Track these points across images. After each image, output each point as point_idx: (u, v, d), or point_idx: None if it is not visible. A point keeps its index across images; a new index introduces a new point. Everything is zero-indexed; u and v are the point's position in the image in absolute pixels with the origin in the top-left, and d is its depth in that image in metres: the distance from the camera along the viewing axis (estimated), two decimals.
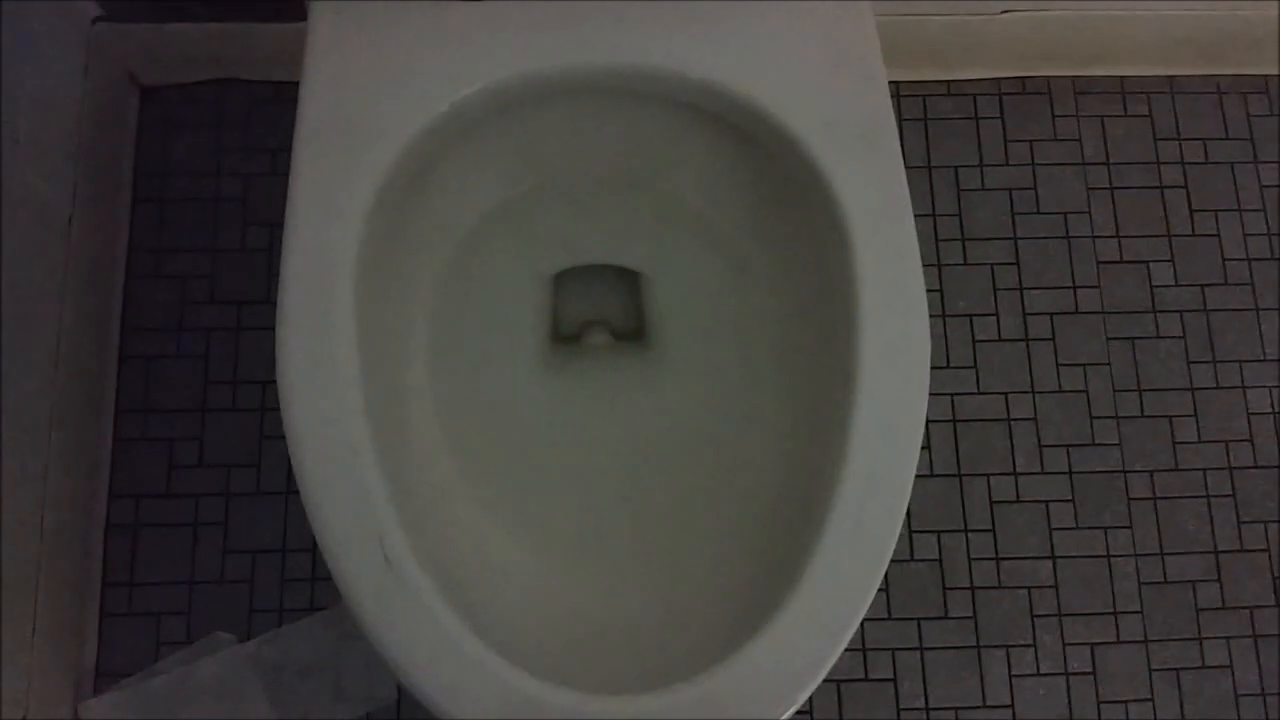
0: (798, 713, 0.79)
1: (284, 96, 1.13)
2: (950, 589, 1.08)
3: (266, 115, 1.14)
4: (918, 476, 0.66)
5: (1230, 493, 1.11)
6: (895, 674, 1.06)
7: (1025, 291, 1.14)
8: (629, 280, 0.90)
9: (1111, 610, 1.08)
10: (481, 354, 0.82)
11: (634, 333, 0.91)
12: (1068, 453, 1.11)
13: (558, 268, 0.87)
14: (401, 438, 0.70)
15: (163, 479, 1.05)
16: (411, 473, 0.69)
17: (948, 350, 1.13)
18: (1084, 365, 1.13)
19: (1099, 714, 1.06)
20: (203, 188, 1.11)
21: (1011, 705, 1.06)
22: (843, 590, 0.62)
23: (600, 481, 0.80)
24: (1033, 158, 1.18)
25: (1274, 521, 1.10)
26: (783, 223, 0.78)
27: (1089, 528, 1.10)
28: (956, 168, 1.17)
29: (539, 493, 0.78)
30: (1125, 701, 1.06)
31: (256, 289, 1.09)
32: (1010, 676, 1.06)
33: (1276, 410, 1.13)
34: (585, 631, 0.69)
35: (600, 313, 0.92)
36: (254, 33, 1.06)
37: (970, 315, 1.13)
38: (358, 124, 0.66)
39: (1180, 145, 1.19)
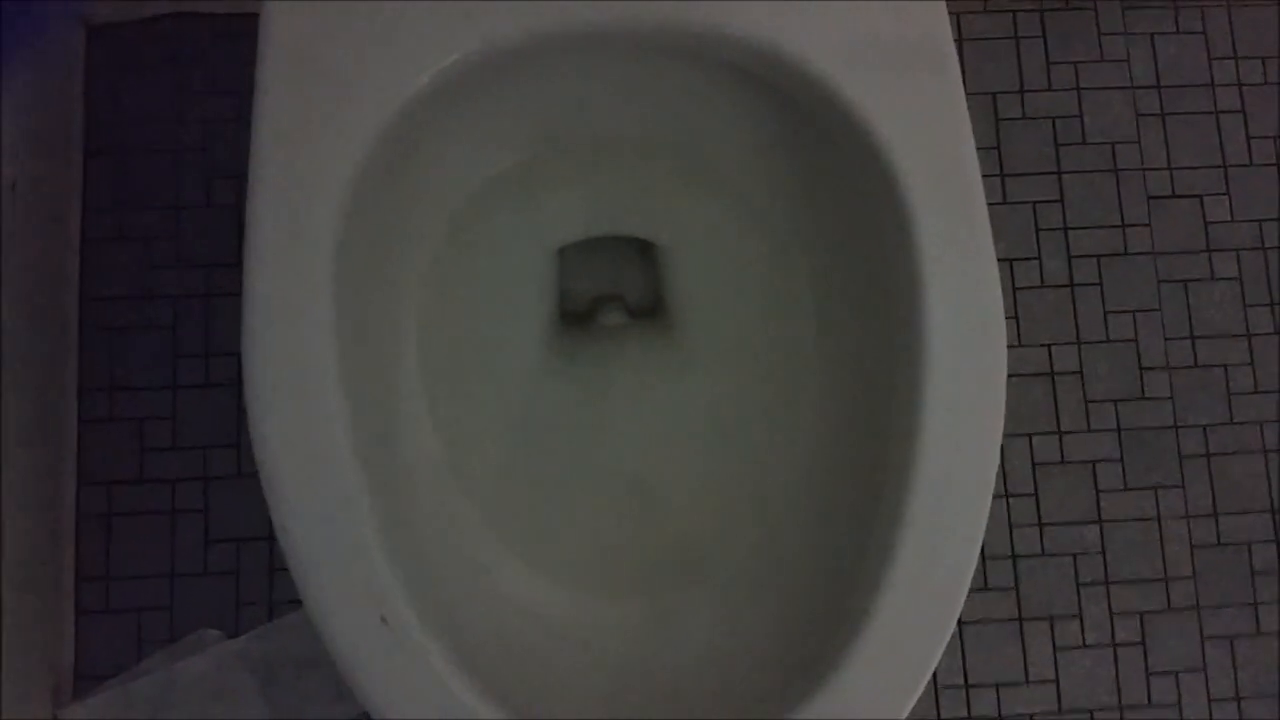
0: None
1: (248, 31, 1.00)
2: (990, 558, 1.00)
3: (229, 52, 1.02)
4: None
5: None
6: None
7: (1070, 232, 1.05)
8: (644, 255, 0.80)
9: (1162, 576, 1.01)
10: (482, 345, 0.72)
11: (651, 309, 0.81)
12: (1115, 408, 1.03)
13: (565, 240, 0.76)
14: (395, 463, 0.61)
15: (135, 463, 0.96)
16: (409, 503, 0.60)
17: None
18: (1133, 312, 1.04)
19: (1148, 686, 0.99)
20: (162, 137, 1.00)
21: (1056, 680, 0.99)
22: (914, 633, 0.54)
23: (625, 494, 0.71)
24: (1078, 81, 1.07)
25: None
26: (826, 189, 0.68)
27: (1138, 488, 1.02)
28: (995, 94, 1.06)
29: (555, 510, 0.69)
30: (1176, 673, 1.00)
31: (226, 250, 0.99)
32: (1055, 649, 1.00)
33: None
34: (617, 683, 0.60)
35: (614, 288, 0.82)
36: None
37: (1010, 259, 1.04)
38: (325, 107, 0.56)
39: (1237, 65, 1.08)
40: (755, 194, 0.71)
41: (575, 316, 0.82)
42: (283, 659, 0.93)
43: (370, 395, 0.59)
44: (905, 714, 0.54)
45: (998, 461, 0.58)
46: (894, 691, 0.53)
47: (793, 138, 0.68)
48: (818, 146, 0.66)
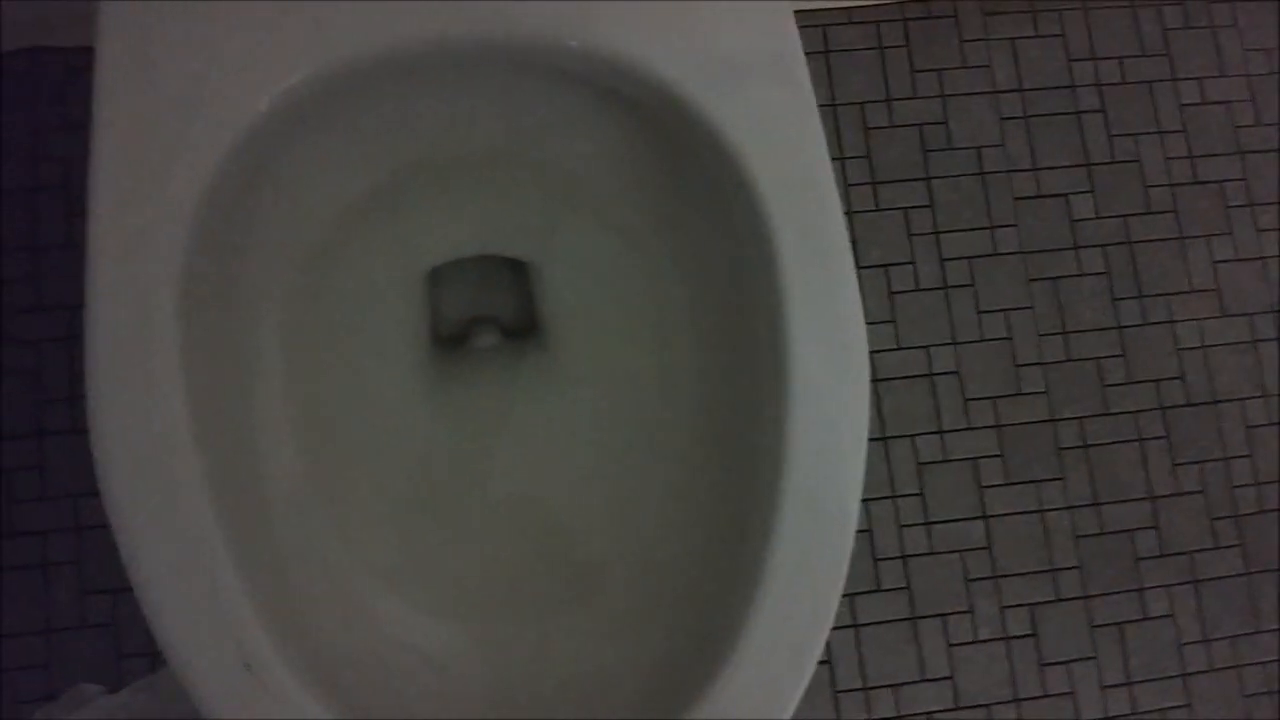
0: None
1: None
2: (881, 560, 1.01)
3: (86, 85, 0.98)
4: None
5: (1164, 434, 1.06)
6: (830, 655, 0.99)
7: (941, 235, 1.06)
8: (516, 273, 0.80)
9: (1049, 567, 1.03)
10: (350, 376, 0.71)
11: (526, 329, 0.80)
12: (994, 405, 1.05)
13: (434, 262, 0.75)
14: (256, 500, 0.59)
15: (2, 516, 0.92)
16: (273, 542, 0.58)
17: (864, 305, 1.04)
18: (1006, 310, 1.06)
19: (1042, 677, 1.01)
20: (18, 176, 0.97)
21: (951, 676, 1.00)
22: (790, 637, 0.54)
23: (504, 517, 0.70)
24: (942, 88, 1.09)
25: (1210, 460, 1.06)
26: (687, 197, 0.68)
27: (1020, 482, 1.04)
28: (862, 104, 1.08)
29: (431, 539, 0.68)
30: (1068, 662, 1.02)
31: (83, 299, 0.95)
32: (949, 646, 1.01)
33: (1206, 344, 1.07)
34: (498, 711, 0.59)
35: (487, 309, 0.81)
36: None
37: (885, 265, 1.05)
38: (163, 136, 0.54)
39: (1095, 66, 1.11)
40: (623, 209, 0.71)
41: (449, 340, 0.80)
42: (165, 712, 0.90)
43: (226, 430, 0.57)
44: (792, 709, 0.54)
45: (862, 475, 0.59)
46: (779, 686, 0.53)
47: (654, 153, 0.68)
48: (677, 160, 0.66)
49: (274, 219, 0.65)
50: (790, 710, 0.54)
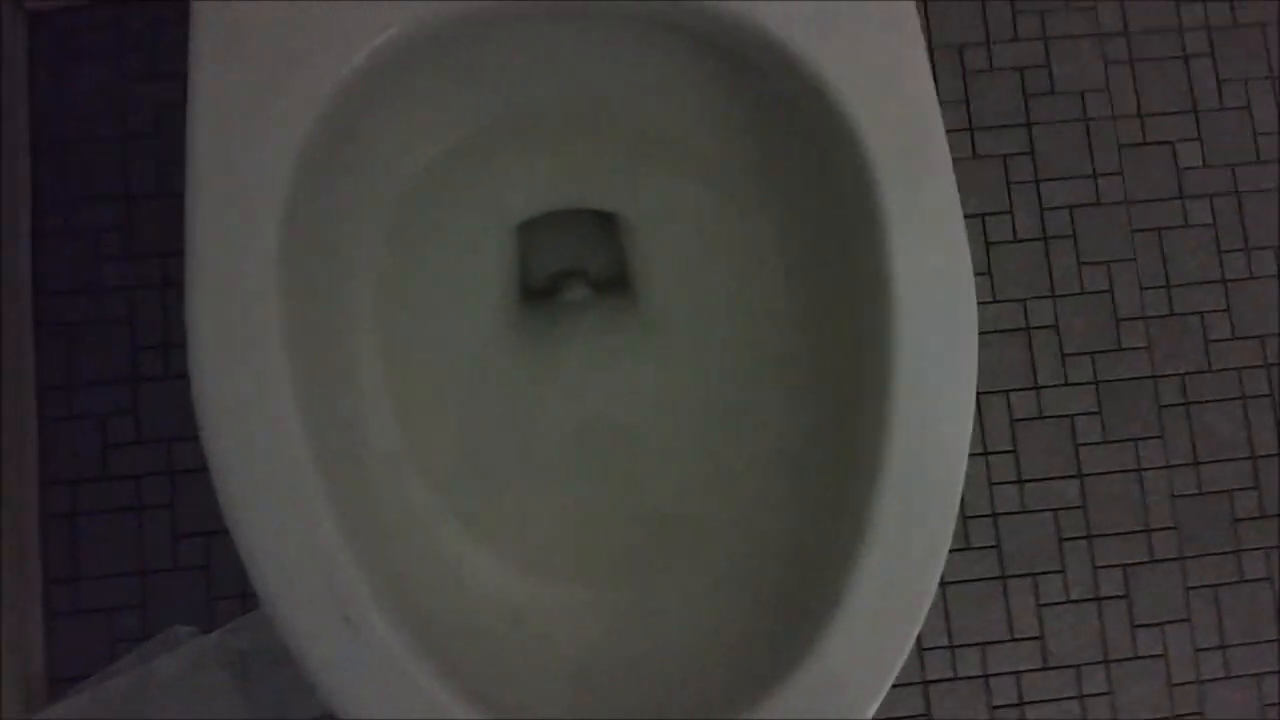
0: None
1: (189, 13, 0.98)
2: (971, 518, 0.99)
3: (174, 36, 0.99)
4: None
5: (1268, 391, 1.02)
6: None
7: (1041, 184, 1.03)
8: (605, 226, 0.78)
9: (1144, 528, 1.00)
10: (441, 328, 0.70)
11: (616, 282, 0.79)
12: (1092, 360, 1.02)
13: (522, 216, 0.74)
14: (354, 455, 0.59)
15: (98, 460, 0.94)
16: (370, 496, 0.58)
17: None
18: (1107, 263, 1.03)
19: (1133, 639, 0.99)
20: (109, 125, 0.97)
21: (1041, 636, 0.99)
22: (887, 623, 0.53)
23: (596, 474, 0.69)
24: (1044, 30, 1.05)
25: None
26: (787, 153, 0.66)
27: (1118, 441, 1.01)
28: (961, 46, 1.04)
29: (522, 496, 0.68)
30: (1161, 624, 0.99)
31: (181, 238, 0.96)
32: (1038, 606, 0.99)
33: None
34: (586, 672, 0.59)
35: (576, 263, 0.80)
36: None
37: (982, 215, 1.02)
38: (261, 88, 0.54)
39: (1205, 7, 1.06)
40: (717, 162, 0.69)
41: (538, 293, 0.80)
42: (258, 653, 0.91)
43: (324, 385, 0.57)
44: (873, 710, 0.53)
45: (968, 444, 0.57)
46: (864, 682, 0.52)
47: (752, 103, 0.66)
48: (777, 111, 0.64)
49: (366, 173, 0.64)
50: (889, 681, 0.53)
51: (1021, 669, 0.98)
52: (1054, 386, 1.01)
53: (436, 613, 0.57)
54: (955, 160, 1.01)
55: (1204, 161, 1.04)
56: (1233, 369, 1.02)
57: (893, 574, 0.54)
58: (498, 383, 0.72)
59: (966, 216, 1.00)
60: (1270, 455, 1.02)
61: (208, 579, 0.93)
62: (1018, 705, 0.97)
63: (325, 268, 0.59)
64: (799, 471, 0.63)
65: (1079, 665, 0.98)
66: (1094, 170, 1.03)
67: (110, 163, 0.97)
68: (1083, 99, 1.04)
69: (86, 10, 0.98)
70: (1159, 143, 1.04)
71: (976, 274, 0.99)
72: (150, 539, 0.93)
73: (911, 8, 0.60)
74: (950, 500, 0.55)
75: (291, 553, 0.52)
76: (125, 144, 0.97)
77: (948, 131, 1.02)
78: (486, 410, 0.70)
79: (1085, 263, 1.02)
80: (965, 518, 0.99)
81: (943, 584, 0.98)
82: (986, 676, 0.98)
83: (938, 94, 1.02)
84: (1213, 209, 1.04)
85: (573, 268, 0.80)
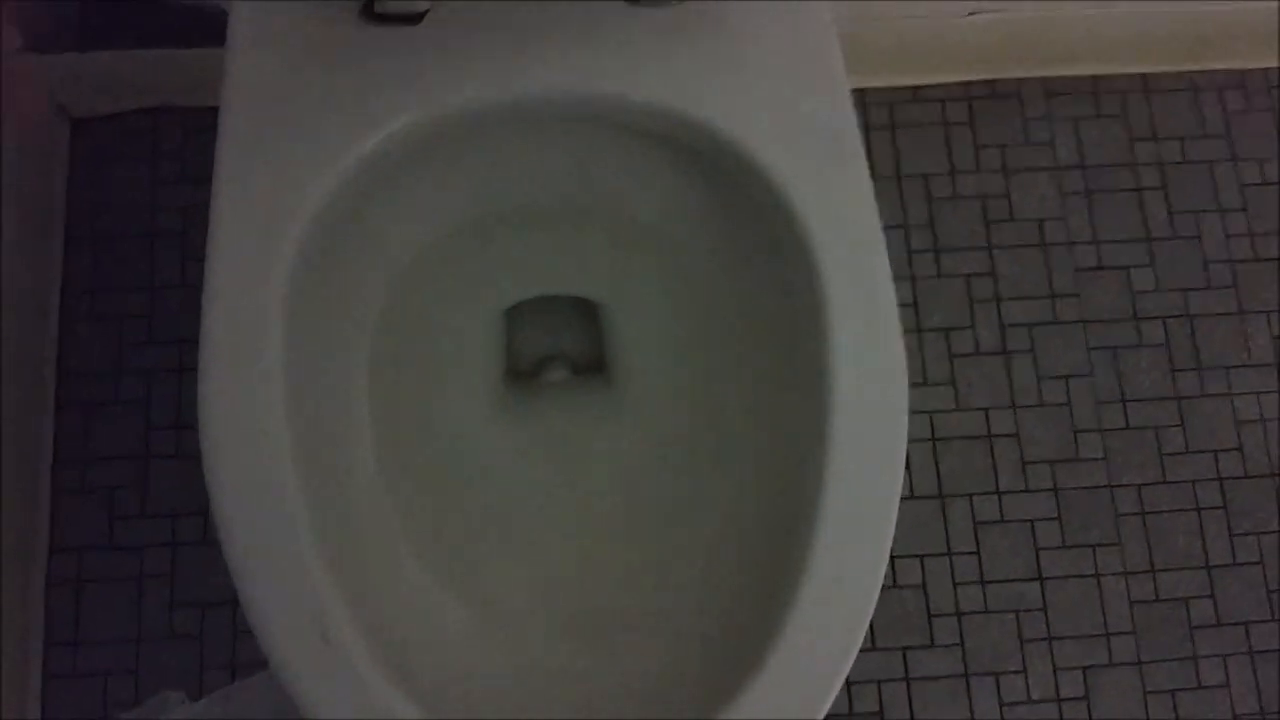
0: None
1: None
2: (935, 616, 1.03)
3: (203, 143, 1.07)
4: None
5: (1221, 504, 1.07)
6: (881, 706, 1.01)
7: (1002, 303, 1.10)
8: (588, 312, 0.85)
9: (1103, 631, 1.04)
10: (429, 398, 0.77)
11: (596, 366, 0.86)
12: (1052, 469, 1.07)
13: (510, 301, 0.82)
14: (341, 499, 0.64)
15: (105, 530, 0.99)
16: (353, 538, 0.63)
17: (924, 366, 1.08)
18: (1065, 377, 1.09)
19: None
20: (139, 222, 1.06)
21: None
22: (821, 653, 0.58)
23: (562, 536, 0.75)
24: (1005, 163, 1.13)
25: (1268, 533, 1.06)
26: (747, 247, 0.73)
27: (1076, 546, 1.06)
28: (927, 176, 1.13)
29: (495, 550, 0.73)
30: None
31: (198, 327, 1.03)
32: (1001, 704, 1.02)
33: (1265, 417, 1.09)
34: (544, 709, 0.64)
35: (559, 346, 0.86)
36: (184, 58, 1.00)
37: (946, 329, 1.09)
38: (281, 163, 0.62)
39: (1157, 145, 1.15)
40: (681, 249, 0.76)
41: (522, 374, 0.86)
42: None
43: (316, 423, 0.63)
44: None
45: (899, 495, 0.62)
46: (808, 696, 0.57)
47: (717, 204, 0.73)
48: (740, 213, 0.71)
49: (368, 249, 0.71)
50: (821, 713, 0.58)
51: None
52: (1015, 492, 1.06)
53: (410, 648, 0.62)
54: (922, 278, 1.10)
55: (1157, 285, 1.11)
56: (1187, 481, 1.07)
57: (812, 651, 0.58)
58: (482, 452, 0.78)
59: (932, 330, 1.09)
60: (1225, 565, 1.06)
61: (200, 648, 0.98)
62: None
63: (326, 327, 0.66)
64: (747, 539, 0.69)
65: None
66: (1052, 291, 1.10)
67: (138, 256, 1.05)
68: (1041, 226, 1.12)
69: (123, 118, 1.07)
70: (1114, 267, 1.12)
71: (941, 384, 1.06)
72: (148, 607, 0.98)
73: (856, 134, 0.67)
74: (866, 605, 0.60)
75: (276, 574, 0.57)
76: (153, 240, 1.05)
77: (915, 252, 1.11)
78: (470, 477, 0.76)
79: (1044, 377, 1.09)
80: (930, 616, 1.03)
81: (908, 679, 1.02)
82: None
83: (906, 217, 1.11)
84: (1166, 330, 1.10)
85: (555, 352, 0.86)
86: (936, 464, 1.06)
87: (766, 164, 0.65)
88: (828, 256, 0.65)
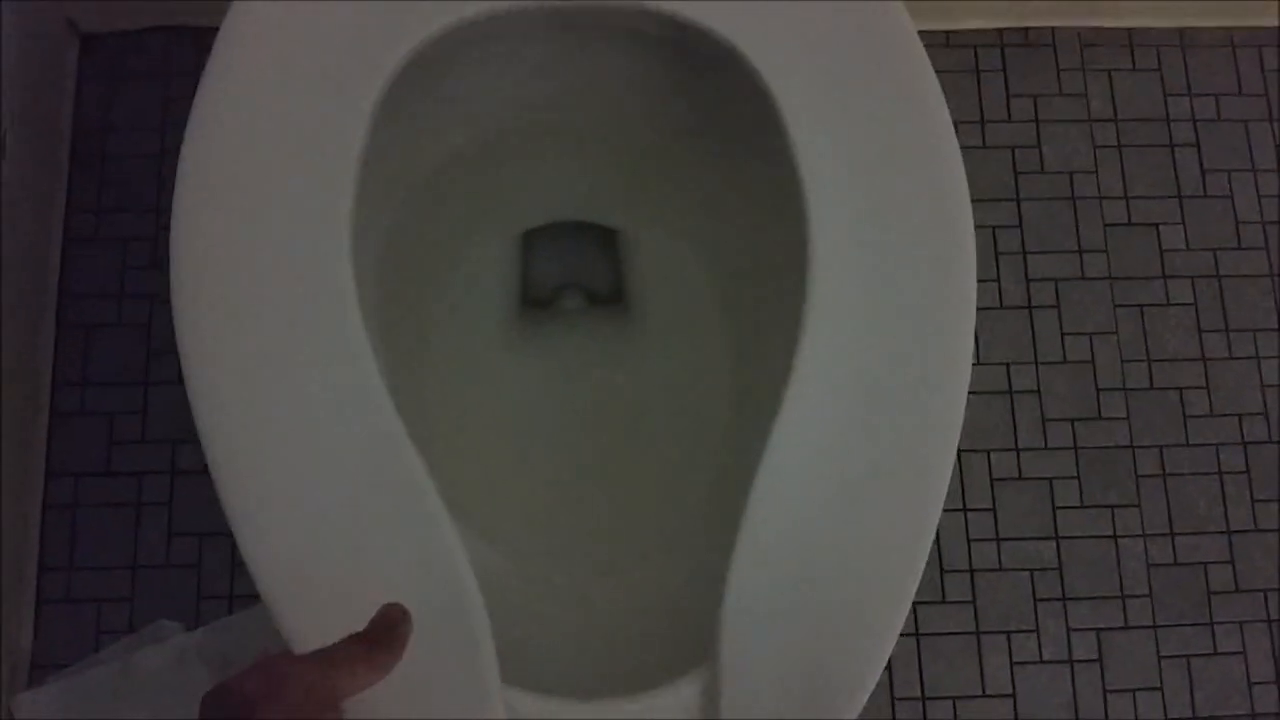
0: None
1: None
2: (948, 572, 1.01)
3: None
4: None
5: (1244, 469, 1.05)
6: (890, 662, 0.99)
7: (1029, 256, 1.07)
8: (607, 239, 0.83)
9: (1119, 594, 1.02)
10: (437, 316, 0.74)
11: (612, 296, 0.83)
12: (1073, 427, 1.05)
13: (527, 225, 0.79)
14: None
15: (103, 456, 0.97)
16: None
17: None
18: (1090, 334, 1.06)
19: (1105, 704, 1.00)
20: (147, 144, 1.03)
21: (1013, 694, 0.99)
22: None
23: (577, 465, 0.72)
24: (1037, 114, 1.11)
25: None
26: (761, 181, 0.70)
27: (1095, 506, 1.03)
28: (957, 124, 1.08)
29: (510, 479, 0.71)
30: (1133, 690, 1.00)
31: None
32: (1012, 664, 1.00)
33: None
34: (562, 633, 0.61)
35: (576, 274, 0.84)
36: None
37: None
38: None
39: (1191, 101, 1.12)
40: (703, 176, 0.74)
41: (539, 302, 0.83)
42: (239, 653, 0.93)
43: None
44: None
45: None
46: None
47: (750, 137, 0.70)
48: (755, 133, 0.68)
49: (390, 154, 0.68)
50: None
51: None
52: (1034, 450, 1.04)
53: None
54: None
55: (1187, 244, 1.09)
56: (1210, 444, 1.05)
57: None
58: (495, 380, 0.75)
59: None
60: (1246, 531, 1.04)
61: (198, 578, 0.96)
62: None
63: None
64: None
65: None
66: (1080, 246, 1.08)
67: (144, 178, 1.02)
68: (1071, 179, 1.09)
69: (136, 35, 1.04)
70: (1144, 224, 1.09)
71: None
72: (145, 536, 0.96)
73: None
74: None
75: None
76: (160, 160, 1.03)
77: None
78: (473, 395, 0.74)
79: (1068, 333, 1.06)
80: (943, 571, 1.01)
81: (917, 635, 1.00)
82: None
83: None
84: (1194, 290, 1.08)
85: (571, 280, 0.84)
86: None
87: (772, 84, 0.63)
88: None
